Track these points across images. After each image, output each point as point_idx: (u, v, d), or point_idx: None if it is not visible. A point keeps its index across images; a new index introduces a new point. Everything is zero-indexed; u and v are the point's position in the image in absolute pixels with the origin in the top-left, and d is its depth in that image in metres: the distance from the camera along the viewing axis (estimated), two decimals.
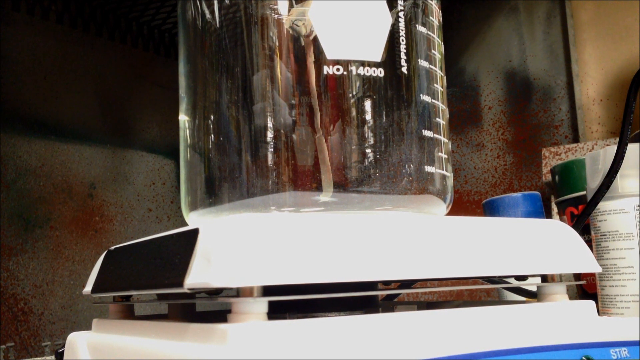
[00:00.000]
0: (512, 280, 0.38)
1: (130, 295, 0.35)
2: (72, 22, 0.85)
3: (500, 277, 0.38)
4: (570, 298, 0.31)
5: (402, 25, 0.32)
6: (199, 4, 0.33)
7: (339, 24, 0.30)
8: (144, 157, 0.93)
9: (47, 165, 0.80)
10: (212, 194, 0.32)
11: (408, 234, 0.27)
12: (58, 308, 0.79)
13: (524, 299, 0.45)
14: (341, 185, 0.30)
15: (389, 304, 0.41)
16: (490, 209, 0.64)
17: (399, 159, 0.31)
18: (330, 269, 0.24)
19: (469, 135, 1.03)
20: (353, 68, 0.30)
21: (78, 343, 0.34)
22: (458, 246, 0.28)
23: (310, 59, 0.30)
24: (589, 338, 0.26)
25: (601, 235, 0.44)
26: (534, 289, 0.34)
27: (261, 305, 0.24)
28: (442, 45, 0.36)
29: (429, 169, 0.32)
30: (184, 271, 0.24)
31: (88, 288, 0.35)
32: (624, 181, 0.44)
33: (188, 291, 0.24)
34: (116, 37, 0.91)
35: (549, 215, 0.85)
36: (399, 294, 0.52)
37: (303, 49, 0.30)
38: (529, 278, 0.33)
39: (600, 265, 0.38)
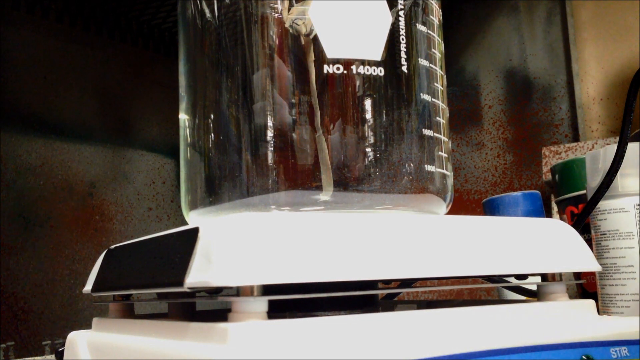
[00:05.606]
0: (512, 279, 0.38)
1: (130, 294, 0.35)
2: (72, 21, 0.85)
3: (500, 276, 0.38)
4: (570, 297, 0.31)
5: (402, 24, 0.32)
6: (199, 3, 0.33)
7: (339, 23, 0.30)
8: (144, 156, 0.93)
9: (47, 164, 0.80)
10: (212, 193, 0.32)
11: (408, 233, 0.27)
12: (58, 307, 0.79)
13: (524, 298, 0.45)
14: (341, 184, 0.30)
15: (388, 303, 0.41)
16: (490, 208, 0.64)
17: (399, 157, 0.31)
18: (330, 268, 0.24)
19: (469, 134, 1.03)
20: (353, 67, 0.30)
21: (78, 342, 0.34)
22: (458, 245, 0.28)
23: (311, 57, 0.30)
24: (589, 337, 0.26)
25: (601, 234, 0.44)
26: (534, 288, 0.34)
27: (261, 304, 0.24)
28: (442, 44, 0.36)
29: (429, 168, 0.32)
30: (184, 270, 0.24)
31: (88, 287, 0.35)
32: (624, 180, 0.44)
33: (188, 290, 0.24)
34: (116, 36, 0.91)
35: (549, 214, 0.85)
36: (399, 293, 0.52)
37: (303, 48, 0.30)
38: (529, 277, 0.33)
39: (601, 264, 0.38)
